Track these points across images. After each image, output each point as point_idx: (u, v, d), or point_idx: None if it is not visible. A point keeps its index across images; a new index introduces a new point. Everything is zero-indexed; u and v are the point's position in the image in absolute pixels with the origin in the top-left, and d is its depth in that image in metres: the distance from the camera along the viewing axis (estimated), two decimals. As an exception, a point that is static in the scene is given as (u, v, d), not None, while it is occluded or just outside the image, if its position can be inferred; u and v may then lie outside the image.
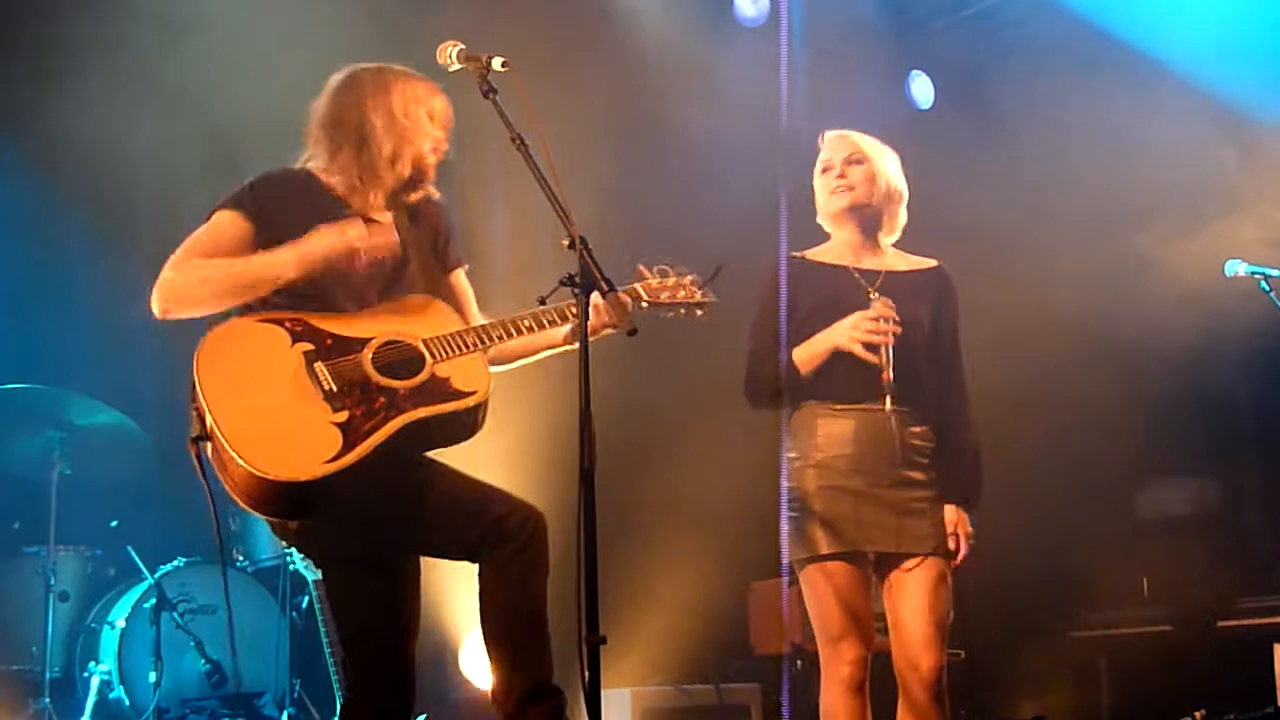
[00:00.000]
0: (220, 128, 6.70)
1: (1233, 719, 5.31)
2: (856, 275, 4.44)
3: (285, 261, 3.58)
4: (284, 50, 6.59)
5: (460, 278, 4.01)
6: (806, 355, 4.35)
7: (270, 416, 3.45)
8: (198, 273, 3.58)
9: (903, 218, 4.54)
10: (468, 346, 3.65)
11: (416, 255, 3.83)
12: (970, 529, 4.34)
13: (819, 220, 4.59)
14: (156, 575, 6.18)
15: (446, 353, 3.63)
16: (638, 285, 3.98)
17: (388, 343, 3.62)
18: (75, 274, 6.86)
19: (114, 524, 6.44)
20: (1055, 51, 7.42)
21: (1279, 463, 7.16)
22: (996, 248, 6.85)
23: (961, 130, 7.45)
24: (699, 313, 4.06)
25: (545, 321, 3.74)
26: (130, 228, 6.96)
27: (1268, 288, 5.38)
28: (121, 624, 6.17)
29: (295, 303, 3.64)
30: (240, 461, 3.37)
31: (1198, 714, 5.80)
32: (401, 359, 3.61)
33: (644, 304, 3.98)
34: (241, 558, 6.59)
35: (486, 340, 3.68)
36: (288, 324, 3.58)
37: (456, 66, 3.65)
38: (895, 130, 4.74)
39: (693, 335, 4.40)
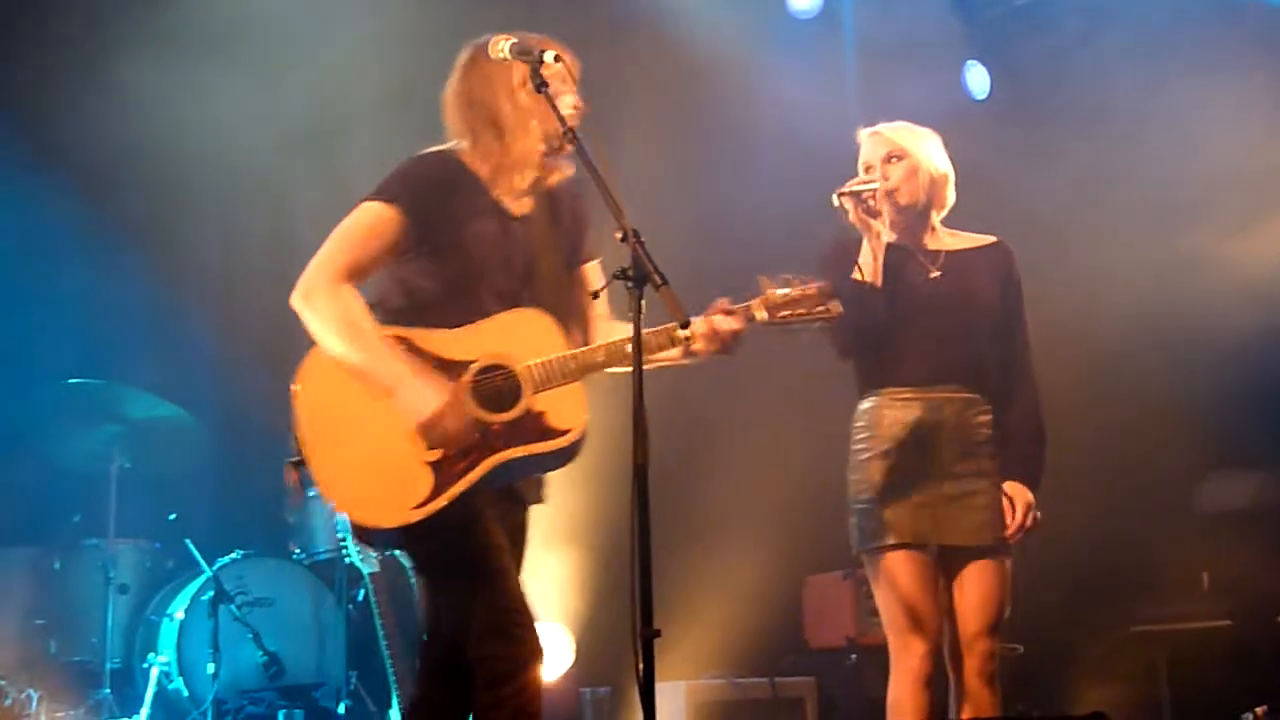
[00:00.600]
0: (272, 119, 6.75)
1: (1294, 715, 5.24)
2: (919, 256, 4.42)
3: (389, 375, 3.45)
4: (334, 38, 6.64)
5: (589, 271, 3.84)
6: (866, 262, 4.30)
7: (364, 452, 3.46)
8: (332, 313, 3.50)
9: (951, 196, 4.49)
10: (568, 375, 3.52)
11: (549, 252, 3.71)
12: (1032, 500, 4.30)
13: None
14: (214, 568, 6.23)
15: (546, 381, 3.51)
16: (756, 301, 3.68)
17: (488, 368, 3.52)
18: (133, 269, 6.91)
19: (172, 517, 6.50)
20: (1110, 41, 7.35)
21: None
22: (1051, 239, 6.78)
23: (1017, 120, 7.40)
24: (816, 325, 3.73)
25: (654, 345, 3.57)
26: (186, 221, 7.01)
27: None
28: (180, 616, 6.21)
29: (426, 301, 3.59)
30: (332, 505, 3.51)
31: (1259, 710, 5.73)
32: (500, 387, 3.51)
33: (762, 320, 3.67)
34: (298, 550, 6.63)
35: (588, 367, 3.55)
36: (392, 343, 3.52)
37: (508, 60, 3.59)
38: (950, 120, 4.69)
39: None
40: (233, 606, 6.13)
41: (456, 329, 3.55)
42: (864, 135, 4.53)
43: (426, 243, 3.59)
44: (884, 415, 4.33)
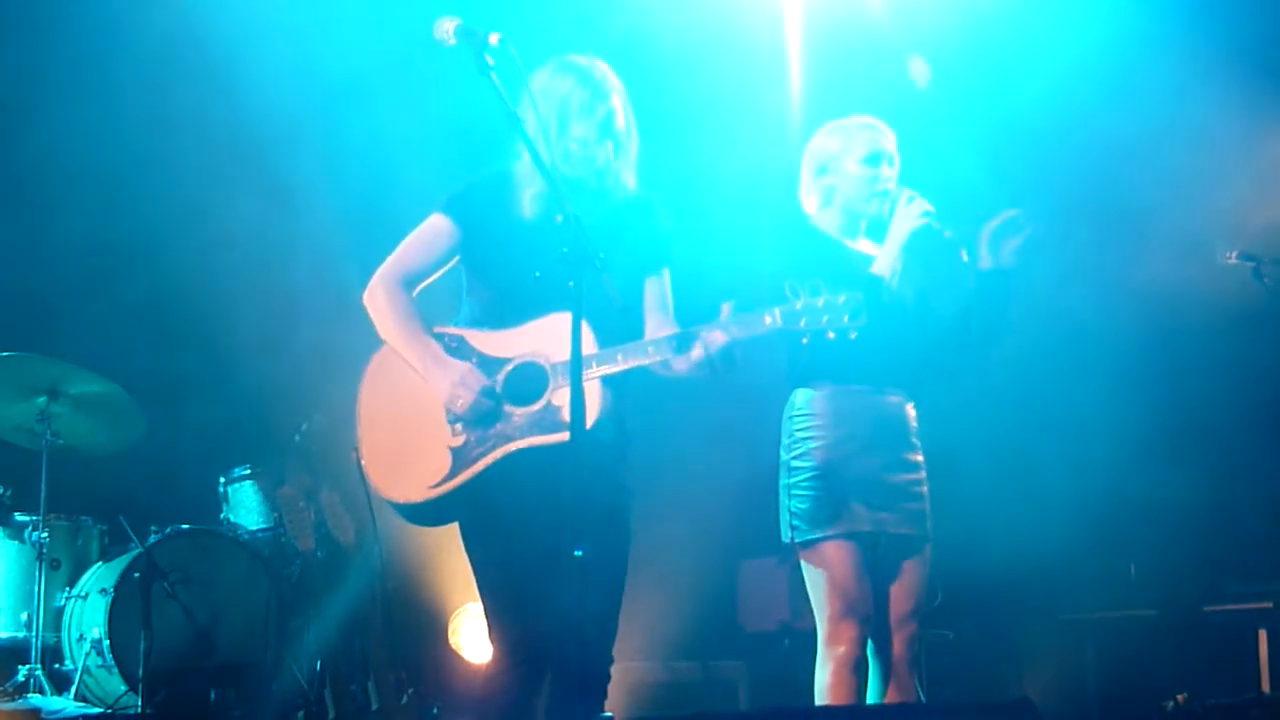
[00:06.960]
0: (213, 105, 6.72)
1: (1215, 703, 5.33)
2: (853, 253, 4.51)
3: (418, 362, 3.80)
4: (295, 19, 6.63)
5: (652, 285, 4.00)
6: (888, 259, 4.37)
7: (401, 437, 3.81)
8: (387, 310, 3.87)
9: None
10: (588, 371, 3.60)
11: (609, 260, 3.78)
12: None
13: (842, 206, 4.58)
14: (147, 544, 6.18)
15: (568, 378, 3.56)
16: (777, 310, 3.67)
17: (523, 365, 3.74)
18: (70, 241, 6.85)
19: (105, 493, 6.44)
20: (1053, 33, 7.40)
21: (1268, 449, 7.17)
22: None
23: (958, 112, 7.43)
24: (831, 335, 3.67)
25: (665, 349, 3.70)
26: (125, 199, 6.95)
27: (1260, 274, 5.41)
28: (111, 592, 6.17)
29: (486, 304, 3.87)
30: (369, 480, 3.83)
31: (1180, 697, 5.83)
32: (530, 383, 3.73)
33: (776, 326, 3.68)
34: (232, 528, 6.59)
35: (602, 366, 3.67)
36: (446, 340, 3.83)
37: (453, 42, 3.59)
38: (891, 111, 4.73)
39: (682, 314, 4.37)
40: (165, 583, 6.09)
41: (504, 330, 3.80)
42: (866, 123, 4.58)
43: (479, 250, 3.89)
44: (832, 405, 4.38)
